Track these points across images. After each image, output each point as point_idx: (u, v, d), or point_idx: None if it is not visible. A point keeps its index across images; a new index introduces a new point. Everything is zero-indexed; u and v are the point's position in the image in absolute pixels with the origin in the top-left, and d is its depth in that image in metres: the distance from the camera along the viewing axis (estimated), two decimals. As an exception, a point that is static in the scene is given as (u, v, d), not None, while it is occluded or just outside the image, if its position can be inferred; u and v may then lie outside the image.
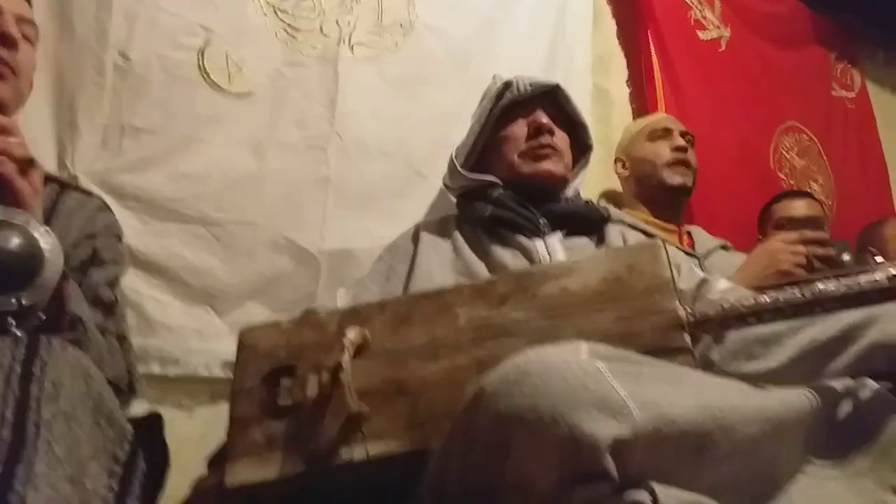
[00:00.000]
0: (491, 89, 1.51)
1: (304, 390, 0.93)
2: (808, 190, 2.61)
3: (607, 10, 2.53)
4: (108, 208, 1.28)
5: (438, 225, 1.44)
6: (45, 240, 0.86)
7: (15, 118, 1.23)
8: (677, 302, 0.91)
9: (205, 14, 1.70)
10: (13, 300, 0.82)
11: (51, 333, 0.88)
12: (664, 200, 1.97)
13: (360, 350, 0.95)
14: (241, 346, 1.02)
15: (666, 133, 2.01)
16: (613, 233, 1.37)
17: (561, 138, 1.42)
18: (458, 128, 1.93)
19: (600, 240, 1.36)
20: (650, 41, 2.44)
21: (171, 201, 1.57)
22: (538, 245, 1.30)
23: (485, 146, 1.46)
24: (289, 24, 1.81)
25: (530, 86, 1.43)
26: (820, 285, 0.89)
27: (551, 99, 1.45)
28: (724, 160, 2.46)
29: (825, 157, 2.89)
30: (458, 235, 1.37)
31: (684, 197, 2.01)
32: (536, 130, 1.39)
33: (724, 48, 2.72)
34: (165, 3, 1.66)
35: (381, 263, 1.41)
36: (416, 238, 1.40)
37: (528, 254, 1.29)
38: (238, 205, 1.63)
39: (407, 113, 1.89)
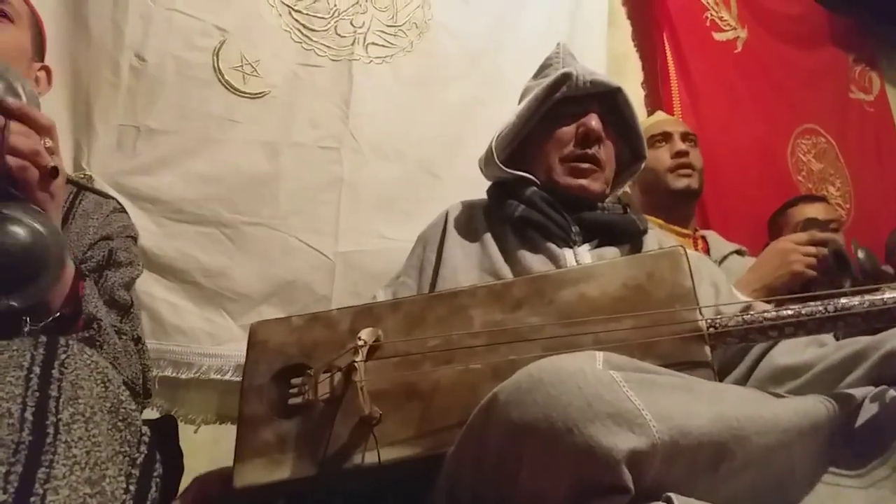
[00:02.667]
0: (555, 62, 1.40)
1: (316, 390, 0.92)
2: (825, 194, 2.59)
3: (622, 12, 2.52)
4: (124, 210, 1.28)
5: (467, 213, 1.36)
6: (53, 243, 0.86)
7: None
8: (698, 313, 0.90)
9: (220, 15, 1.70)
10: (3, 301, 0.81)
11: (66, 332, 0.88)
12: (672, 205, 1.95)
13: (372, 350, 0.94)
14: (252, 341, 1.01)
15: (665, 137, 1.97)
16: (650, 243, 1.30)
17: (608, 148, 1.32)
18: (471, 126, 1.94)
19: (635, 251, 1.27)
20: (665, 42, 2.43)
21: (186, 202, 1.58)
22: (567, 255, 1.23)
23: (528, 135, 1.35)
24: (303, 25, 1.81)
25: (590, 83, 1.30)
26: (843, 300, 0.87)
27: (608, 99, 1.33)
28: (739, 163, 2.45)
29: (842, 160, 2.86)
30: (486, 229, 1.30)
31: (693, 199, 1.98)
32: (584, 137, 1.28)
33: (740, 49, 2.70)
34: (181, 4, 1.66)
35: (413, 257, 1.35)
36: (444, 228, 1.34)
37: (556, 262, 1.22)
38: (252, 206, 1.63)
39: (420, 113, 1.89)
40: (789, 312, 0.88)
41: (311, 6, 1.82)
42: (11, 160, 0.83)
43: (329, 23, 1.84)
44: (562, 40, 2.13)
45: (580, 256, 1.23)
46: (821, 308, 0.87)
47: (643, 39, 2.52)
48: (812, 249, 1.52)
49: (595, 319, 0.91)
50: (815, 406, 0.81)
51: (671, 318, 0.89)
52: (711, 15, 2.64)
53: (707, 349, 0.87)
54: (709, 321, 0.90)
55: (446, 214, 1.37)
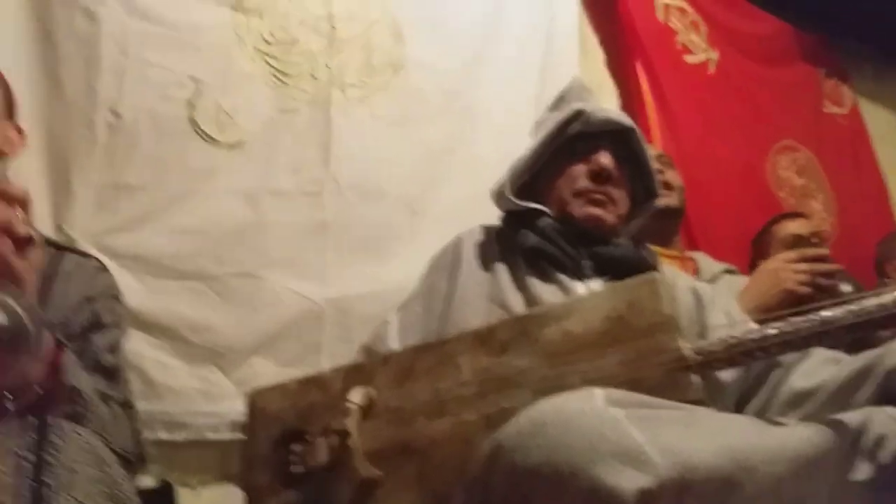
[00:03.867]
0: (568, 95, 1.41)
1: (315, 456, 0.92)
2: (809, 208, 2.61)
3: (594, 40, 2.54)
4: (106, 269, 1.26)
5: (481, 240, 1.35)
6: (31, 321, 0.84)
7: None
8: (680, 341, 0.89)
9: (193, 65, 1.69)
10: None
11: (49, 406, 0.86)
12: (655, 226, 1.94)
13: (367, 410, 0.94)
14: (251, 410, 1.01)
15: None
16: None
17: (619, 185, 1.31)
18: (451, 162, 1.95)
19: None
20: (639, 69, 2.46)
21: (169, 258, 1.55)
22: (578, 288, 1.21)
23: (541, 168, 1.35)
24: (278, 70, 1.81)
25: (603, 121, 1.31)
26: (827, 313, 0.87)
27: (621, 136, 1.33)
28: (721, 182, 2.46)
29: (823, 174, 2.89)
30: (498, 258, 1.28)
31: (675, 218, 1.97)
32: (596, 175, 1.28)
33: (713, 71, 2.74)
34: (153, 57, 1.65)
35: (423, 284, 1.34)
36: (457, 255, 1.32)
37: (567, 293, 1.21)
38: (237, 257, 1.61)
39: (400, 152, 1.89)
40: (773, 332, 0.87)
41: (285, 51, 1.82)
42: None
43: (304, 66, 1.84)
44: (535, 71, 2.19)
45: (591, 290, 1.21)
46: (805, 324, 0.86)
47: (616, 67, 2.54)
48: (803, 266, 1.52)
49: (581, 356, 0.90)
50: (820, 433, 0.80)
51: (656, 349, 0.88)
52: (682, 39, 2.68)
53: (694, 377, 0.86)
54: (694, 349, 0.89)
55: (460, 241, 1.35)
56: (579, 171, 1.30)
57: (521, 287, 1.23)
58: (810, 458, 0.76)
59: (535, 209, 1.30)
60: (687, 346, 0.88)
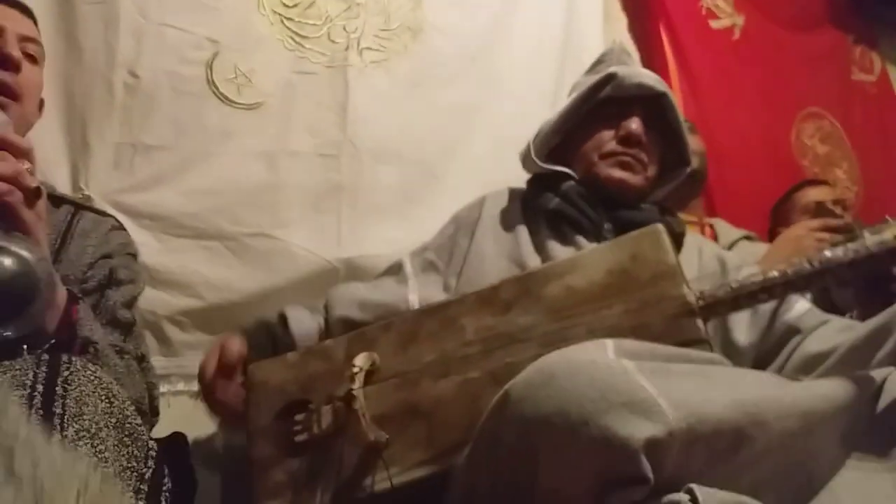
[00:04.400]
0: (608, 58, 1.39)
1: (320, 423, 0.93)
2: (833, 177, 2.56)
3: (617, 5, 2.51)
4: (123, 227, 1.27)
5: (505, 202, 1.35)
6: (42, 268, 0.85)
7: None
8: (685, 287, 0.88)
9: (211, 27, 1.69)
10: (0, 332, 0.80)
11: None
12: (675, 191, 1.92)
13: (370, 375, 0.94)
14: (251, 383, 1.02)
15: None
16: (689, 248, 1.26)
17: (648, 151, 1.29)
18: (469, 126, 1.93)
19: None
20: (662, 33, 2.42)
21: (186, 217, 1.57)
22: None
23: (569, 131, 1.34)
24: (296, 33, 1.80)
25: (636, 86, 1.29)
26: (827, 253, 0.86)
27: (654, 104, 1.31)
28: (743, 149, 2.43)
29: (848, 143, 2.83)
30: (521, 219, 1.29)
31: (696, 184, 1.95)
32: (625, 140, 1.26)
33: (738, 36, 2.68)
34: (172, 19, 1.65)
35: (443, 237, 1.34)
36: (480, 214, 1.33)
37: None
38: (253, 217, 1.62)
39: (418, 115, 1.88)
40: (776, 273, 0.87)
41: (303, 13, 1.81)
42: None
43: (322, 29, 1.83)
44: (558, 35, 2.16)
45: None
46: (806, 265, 0.86)
47: (640, 31, 2.50)
48: (826, 235, 1.50)
49: (584, 310, 0.91)
50: (836, 389, 0.79)
51: (660, 297, 0.88)
52: (707, 3, 2.63)
53: (699, 321, 0.86)
54: (697, 293, 0.89)
55: (483, 200, 1.36)
56: (608, 135, 1.29)
57: (540, 249, 1.24)
58: (824, 415, 0.76)
59: (561, 172, 1.29)
60: (690, 292, 0.88)
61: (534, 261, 1.21)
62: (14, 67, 1.09)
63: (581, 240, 1.22)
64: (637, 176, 1.27)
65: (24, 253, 0.83)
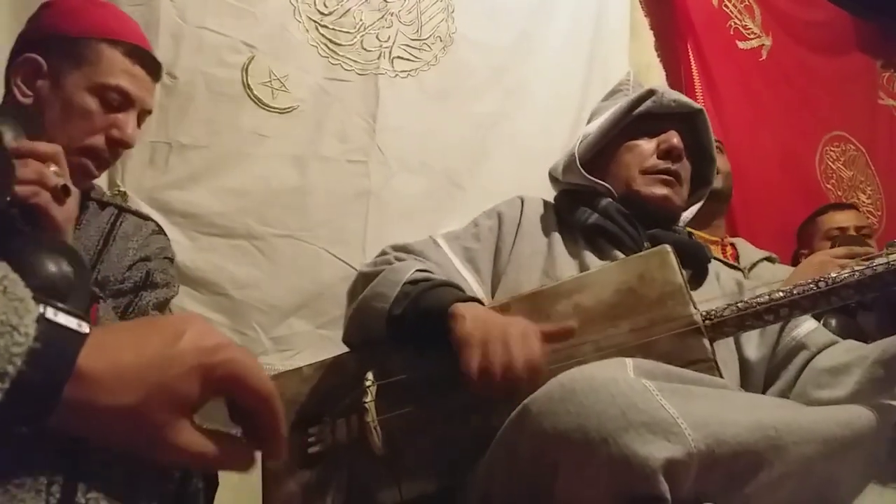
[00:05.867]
0: (625, 87, 1.40)
1: (333, 436, 0.94)
2: (856, 201, 2.55)
3: (645, 23, 2.52)
4: (163, 231, 1.30)
5: (541, 210, 1.33)
6: (77, 270, 0.87)
7: None
8: (692, 307, 0.89)
9: (248, 31, 1.73)
10: None
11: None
12: (699, 209, 1.93)
13: (384, 387, 0.95)
14: None
15: None
16: (711, 272, 1.27)
17: (685, 167, 1.29)
18: (495, 138, 1.96)
19: (697, 277, 1.23)
20: (689, 52, 2.42)
21: (217, 216, 1.60)
22: None
23: (605, 147, 1.33)
24: (330, 40, 1.83)
25: (674, 102, 1.30)
26: (833, 274, 0.86)
27: (687, 122, 1.32)
28: (767, 170, 2.43)
29: (872, 167, 2.82)
30: (556, 230, 1.27)
31: (719, 203, 1.96)
32: (667, 153, 1.26)
33: (765, 57, 2.68)
34: (210, 22, 1.69)
35: (486, 229, 1.28)
36: (520, 215, 1.30)
37: None
38: (281, 218, 1.66)
39: (445, 125, 1.91)
40: (781, 294, 0.88)
41: (337, 21, 1.85)
42: (21, 189, 0.85)
43: (355, 37, 1.86)
44: (584, 52, 2.17)
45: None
46: (812, 285, 0.86)
47: (666, 49, 2.51)
48: (850, 263, 1.50)
49: (592, 328, 0.91)
50: (857, 416, 0.79)
51: (667, 316, 0.89)
52: (735, 23, 2.63)
53: (706, 341, 0.87)
54: (703, 313, 0.89)
55: (522, 202, 1.33)
56: (648, 148, 1.28)
57: (577, 260, 1.22)
58: (844, 441, 0.76)
59: (595, 189, 1.28)
60: (697, 312, 0.89)
61: (570, 272, 1.18)
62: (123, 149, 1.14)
63: (619, 255, 1.20)
64: (677, 195, 1.27)
65: (64, 259, 0.86)
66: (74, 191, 0.94)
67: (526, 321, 0.92)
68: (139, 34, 1.17)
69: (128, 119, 1.11)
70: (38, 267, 0.83)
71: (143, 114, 1.16)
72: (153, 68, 1.16)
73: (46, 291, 0.78)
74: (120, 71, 1.10)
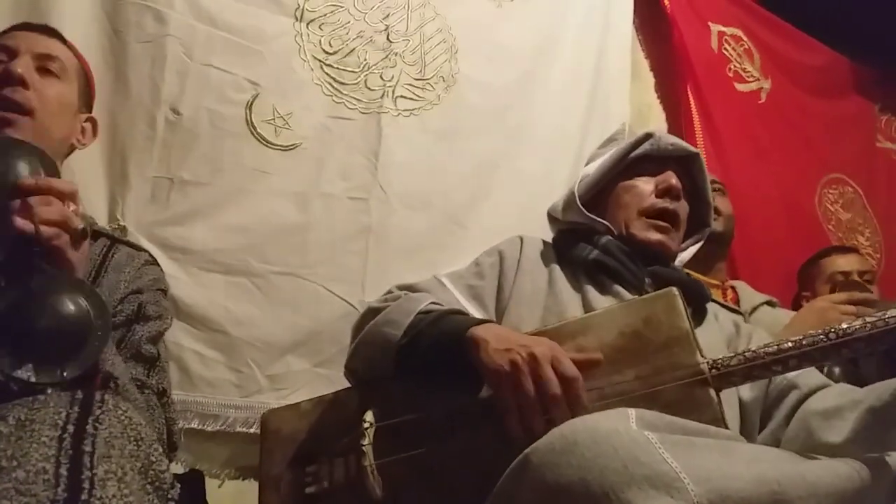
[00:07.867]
0: (619, 137, 1.44)
1: (331, 477, 0.93)
2: (855, 243, 2.56)
3: (645, 65, 2.55)
4: (156, 262, 1.30)
5: (540, 248, 1.36)
6: (96, 310, 0.88)
7: (66, 162, 1.27)
8: (699, 355, 0.88)
9: (253, 69, 1.74)
10: (58, 372, 0.83)
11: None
12: (699, 252, 1.93)
13: (383, 429, 0.94)
14: (265, 430, 1.02)
15: None
16: (710, 312, 1.29)
17: (683, 208, 1.33)
18: (496, 178, 1.97)
19: (697, 315, 1.23)
20: (689, 94, 2.45)
21: (217, 252, 1.60)
22: None
23: (603, 188, 1.37)
24: (334, 79, 1.85)
25: (671, 145, 1.34)
26: (844, 325, 0.85)
27: (684, 165, 1.36)
28: (767, 213, 2.44)
29: (870, 210, 2.84)
30: (556, 267, 1.29)
31: (721, 246, 1.96)
32: (665, 192, 1.29)
33: (764, 100, 2.71)
34: (216, 60, 1.70)
35: (487, 266, 1.31)
36: (520, 253, 1.33)
37: None
38: (281, 256, 1.65)
39: (447, 164, 1.92)
40: (790, 345, 0.86)
41: (341, 60, 1.86)
42: (45, 230, 0.85)
43: (359, 76, 1.87)
44: (585, 94, 2.20)
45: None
46: (822, 337, 0.85)
47: (666, 91, 2.54)
48: (851, 309, 1.50)
49: (596, 373, 0.90)
50: (857, 470, 0.79)
51: (673, 364, 0.88)
52: (735, 66, 2.67)
53: (712, 391, 0.86)
54: (710, 362, 0.89)
55: (521, 241, 1.36)
56: (647, 188, 1.31)
57: (578, 291, 1.24)
58: (845, 494, 0.75)
59: (593, 227, 1.31)
60: (704, 361, 0.88)
61: (573, 307, 1.20)
62: (19, 83, 1.12)
63: (620, 290, 1.23)
64: (673, 241, 1.30)
65: (81, 297, 0.86)
66: (89, 232, 0.95)
67: (551, 342, 0.92)
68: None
69: (16, 63, 1.13)
70: (59, 306, 0.84)
71: (42, 58, 1.18)
72: (39, 29, 1.22)
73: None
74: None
